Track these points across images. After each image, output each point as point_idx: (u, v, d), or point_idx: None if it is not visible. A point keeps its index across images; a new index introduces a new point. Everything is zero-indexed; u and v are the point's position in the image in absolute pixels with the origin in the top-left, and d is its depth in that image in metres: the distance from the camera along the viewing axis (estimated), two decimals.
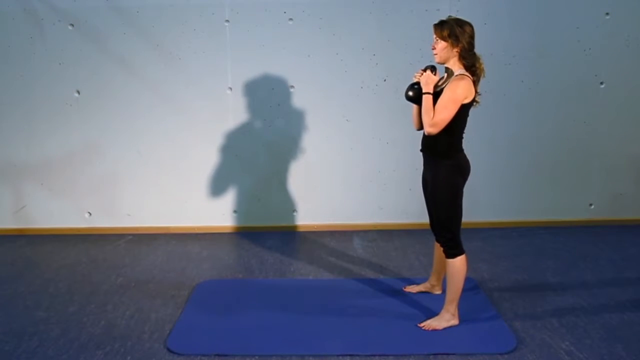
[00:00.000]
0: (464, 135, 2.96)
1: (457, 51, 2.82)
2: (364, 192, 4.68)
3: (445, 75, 2.92)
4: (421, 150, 3.05)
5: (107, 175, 4.63)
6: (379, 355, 2.69)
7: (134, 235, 4.66)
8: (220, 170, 4.65)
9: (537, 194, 4.72)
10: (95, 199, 4.68)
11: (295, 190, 4.69)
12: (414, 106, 3.06)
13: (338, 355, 2.69)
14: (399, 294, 3.39)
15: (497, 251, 4.16)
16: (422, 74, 2.92)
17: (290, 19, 4.43)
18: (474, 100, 2.85)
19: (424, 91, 2.86)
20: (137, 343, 2.84)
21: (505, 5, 4.43)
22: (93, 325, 3.04)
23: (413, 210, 4.52)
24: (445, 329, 2.91)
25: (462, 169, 2.92)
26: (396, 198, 4.64)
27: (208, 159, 4.62)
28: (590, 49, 4.50)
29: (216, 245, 4.43)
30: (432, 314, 3.04)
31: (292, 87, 4.53)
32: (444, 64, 2.89)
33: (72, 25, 4.41)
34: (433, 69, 2.90)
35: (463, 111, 2.82)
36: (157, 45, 4.44)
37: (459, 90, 2.75)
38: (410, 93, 2.96)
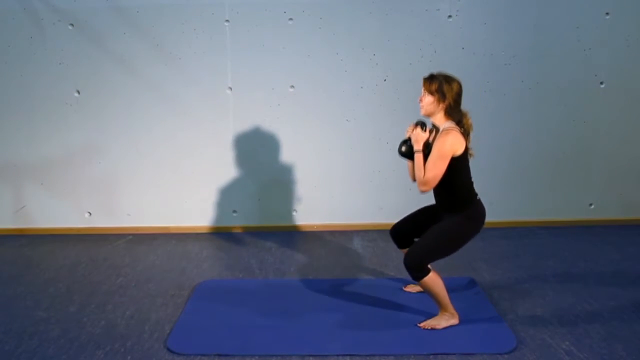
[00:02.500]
0: (472, 183, 2.96)
1: (442, 107, 2.86)
2: (364, 192, 4.69)
3: (434, 130, 2.95)
4: (436, 206, 3.06)
5: (107, 175, 4.63)
6: (379, 355, 2.69)
7: (134, 235, 4.66)
8: (220, 170, 4.65)
9: (537, 194, 4.72)
10: (95, 199, 4.68)
11: (295, 190, 4.69)
12: (408, 161, 3.07)
13: (338, 355, 2.69)
14: (399, 294, 3.40)
15: (497, 251, 4.16)
16: (413, 129, 2.94)
17: (290, 19, 4.43)
18: (466, 152, 2.86)
19: (414, 149, 2.90)
20: (137, 343, 2.84)
21: (505, 5, 4.43)
22: (93, 325, 3.04)
23: (413, 210, 4.50)
24: (445, 328, 2.91)
25: (477, 221, 2.93)
26: (396, 198, 4.64)
27: (208, 159, 4.62)
28: (590, 49, 4.50)
29: (216, 245, 4.43)
30: (432, 313, 3.04)
31: (292, 87, 4.53)
32: (429, 117, 2.93)
33: (72, 25, 4.41)
34: (423, 125, 2.93)
35: (458, 163, 2.83)
36: (157, 45, 4.44)
37: (446, 147, 2.78)
38: (403, 149, 3.00)
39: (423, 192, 2.86)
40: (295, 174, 4.66)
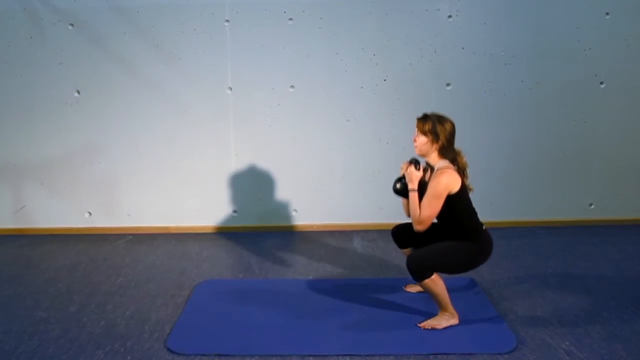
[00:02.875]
0: (476, 216, 2.96)
1: (436, 147, 2.89)
2: (364, 192, 4.69)
3: (429, 168, 2.98)
4: None
5: (107, 175, 4.63)
6: (379, 355, 2.69)
7: (134, 235, 4.66)
8: (220, 170, 4.65)
9: (537, 194, 4.72)
10: (95, 199, 4.68)
11: (295, 190, 4.69)
12: (402, 198, 3.09)
13: (338, 355, 2.69)
14: (399, 293, 3.39)
15: (497, 251, 4.14)
16: (407, 167, 2.97)
17: (290, 19, 4.43)
18: (464, 189, 2.87)
19: (409, 188, 2.92)
20: (137, 343, 2.84)
21: (505, 5, 4.43)
22: (93, 325, 3.04)
23: None
24: (445, 328, 2.91)
25: (484, 252, 2.94)
26: (396, 198, 4.61)
27: (208, 159, 4.62)
28: (590, 49, 4.50)
29: (216, 245, 4.43)
30: (432, 313, 3.04)
31: (292, 87, 4.53)
32: (424, 157, 2.95)
33: (72, 25, 4.41)
34: (417, 163, 2.96)
35: (456, 200, 2.85)
36: (157, 45, 4.44)
37: (441, 186, 2.80)
38: (398, 186, 3.03)
39: (419, 231, 2.88)
40: (295, 174, 4.66)
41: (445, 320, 2.94)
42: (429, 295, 3.29)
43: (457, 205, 2.87)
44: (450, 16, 4.43)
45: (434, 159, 2.92)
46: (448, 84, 4.51)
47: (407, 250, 3.21)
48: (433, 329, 2.91)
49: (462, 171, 2.91)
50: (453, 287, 3.27)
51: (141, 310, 3.22)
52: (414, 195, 2.90)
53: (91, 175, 4.64)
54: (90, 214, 4.72)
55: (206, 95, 4.52)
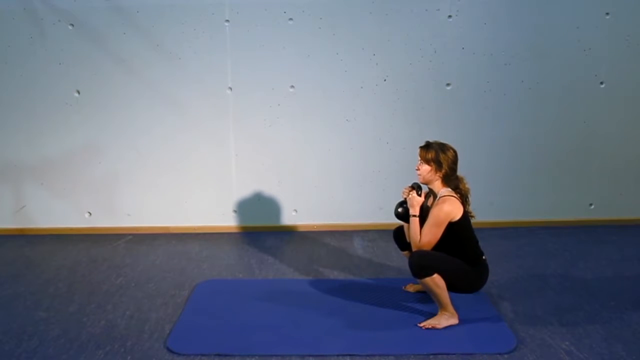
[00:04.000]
0: (477, 243, 2.97)
1: (439, 175, 2.92)
2: (364, 192, 4.69)
3: (431, 194, 3.01)
4: None
5: (107, 175, 4.63)
6: (379, 355, 2.69)
7: (134, 235, 4.66)
8: (220, 170, 4.65)
9: (537, 194, 4.72)
10: (95, 199, 4.68)
11: (295, 190, 4.69)
12: (404, 223, 3.11)
13: (338, 355, 2.69)
14: (399, 293, 3.39)
15: (497, 251, 4.16)
16: (409, 192, 3.00)
17: (290, 19, 4.43)
18: (465, 216, 2.89)
19: (410, 213, 2.96)
20: (137, 343, 2.84)
21: (505, 5, 4.43)
22: (93, 325, 3.04)
23: None
24: (445, 328, 2.92)
25: (480, 280, 2.96)
26: (396, 198, 4.60)
27: (208, 158, 4.62)
28: (590, 49, 4.50)
29: (216, 245, 4.43)
30: (432, 313, 3.04)
31: (292, 87, 4.53)
32: (427, 185, 2.98)
33: (72, 25, 4.41)
34: (419, 188, 2.99)
35: (457, 228, 2.86)
36: (157, 45, 4.44)
37: (442, 215, 2.83)
38: (400, 210, 3.07)
39: None
40: (296, 174, 4.66)
41: (445, 319, 2.94)
42: (429, 294, 3.29)
43: (459, 233, 2.89)
44: (450, 16, 4.43)
45: (437, 186, 2.95)
46: (448, 84, 4.51)
47: (407, 253, 3.22)
48: (433, 329, 2.91)
49: (464, 198, 2.94)
50: None
51: (141, 310, 3.22)
52: (414, 221, 2.94)
53: (91, 175, 4.64)
54: (90, 214, 4.72)
55: (206, 95, 4.52)
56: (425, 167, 2.94)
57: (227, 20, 4.43)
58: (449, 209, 2.84)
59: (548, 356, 2.67)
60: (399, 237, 3.26)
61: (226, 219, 4.74)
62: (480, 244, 4.32)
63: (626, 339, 2.83)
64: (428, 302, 3.18)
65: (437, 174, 2.92)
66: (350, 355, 2.69)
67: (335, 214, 4.74)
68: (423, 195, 2.99)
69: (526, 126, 4.61)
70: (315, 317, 3.09)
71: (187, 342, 2.83)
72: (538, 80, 4.54)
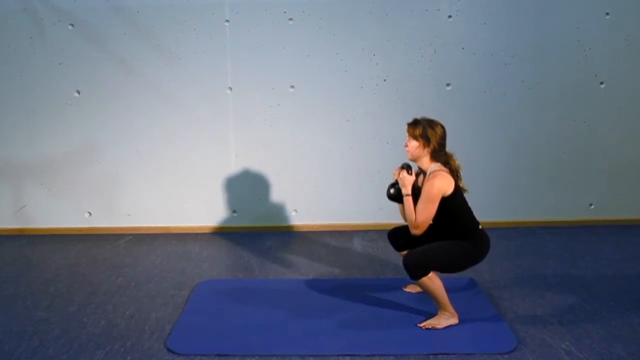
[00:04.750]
0: (472, 216, 2.97)
1: (428, 151, 2.91)
2: (364, 192, 4.69)
3: (421, 172, 3.00)
4: None
5: (107, 175, 4.63)
6: (379, 355, 2.69)
7: (134, 235, 4.66)
8: (220, 170, 4.65)
9: (537, 194, 4.72)
10: (95, 199, 4.68)
11: (295, 190, 4.69)
12: (399, 204, 3.09)
13: (338, 355, 2.69)
14: (399, 293, 3.39)
15: (497, 251, 4.16)
16: (399, 172, 2.98)
17: (290, 19, 4.43)
18: (457, 190, 2.88)
19: (402, 193, 2.95)
20: (137, 343, 2.84)
21: (505, 5, 4.43)
22: (93, 325, 3.04)
23: None
24: (445, 328, 2.91)
25: (481, 250, 2.95)
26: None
27: (208, 158, 4.62)
28: (590, 49, 4.50)
29: (216, 245, 4.43)
30: (432, 313, 3.04)
31: (292, 87, 4.53)
32: (415, 161, 2.97)
33: (72, 25, 4.41)
34: (409, 168, 2.97)
35: (451, 202, 2.86)
36: (157, 45, 4.44)
37: (434, 190, 2.82)
38: (391, 191, 3.04)
39: (416, 234, 2.89)
40: (295, 174, 4.66)
41: (445, 319, 2.94)
42: (428, 294, 3.29)
43: (452, 207, 2.88)
44: (450, 16, 4.43)
45: (426, 162, 2.94)
46: (448, 84, 4.51)
47: (404, 253, 3.22)
48: (433, 329, 2.91)
49: (455, 173, 2.92)
50: (453, 287, 3.27)
51: (141, 310, 3.22)
52: (408, 200, 2.92)
53: (91, 175, 4.64)
54: (90, 214, 4.72)
55: (206, 95, 4.52)
56: (414, 143, 2.92)
57: (227, 20, 4.43)
58: (440, 183, 2.82)
59: (548, 356, 2.67)
60: (395, 237, 3.23)
61: (226, 219, 4.74)
62: None
63: (626, 339, 2.83)
64: (428, 302, 3.18)
65: (426, 150, 2.90)
66: (350, 355, 2.69)
67: (335, 214, 4.74)
68: (413, 173, 2.97)
69: (526, 126, 4.61)
70: (315, 317, 3.09)
71: (187, 342, 2.83)
72: (538, 80, 4.54)
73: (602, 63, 4.53)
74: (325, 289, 3.49)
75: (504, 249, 4.21)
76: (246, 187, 4.68)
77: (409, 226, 2.92)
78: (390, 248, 4.22)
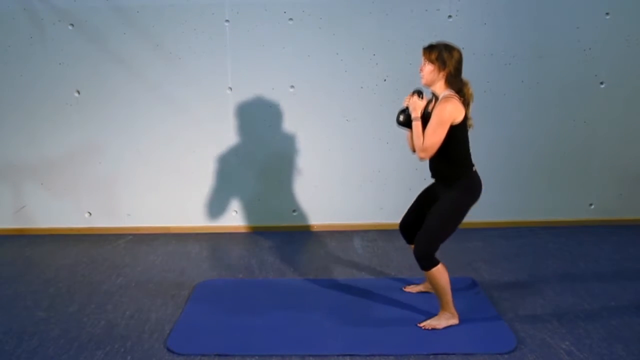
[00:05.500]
0: (470, 153, 2.96)
1: (443, 75, 2.85)
2: (364, 192, 4.69)
3: (433, 98, 2.94)
4: (432, 177, 3.05)
5: (107, 175, 4.63)
6: (379, 355, 2.69)
7: (134, 235, 4.66)
8: (220, 170, 4.65)
9: (537, 194, 4.72)
10: (95, 199, 4.68)
11: (295, 190, 4.69)
12: (407, 130, 3.05)
13: (338, 355, 2.69)
14: (399, 294, 3.39)
15: (497, 251, 4.16)
16: (410, 98, 2.93)
17: (290, 19, 4.43)
18: (465, 121, 2.85)
19: (412, 117, 2.89)
20: (137, 343, 2.84)
21: (505, 5, 4.43)
22: (93, 325, 3.04)
23: None
24: (445, 328, 2.91)
25: (473, 190, 2.92)
26: (396, 198, 4.64)
27: (208, 158, 4.62)
28: (590, 49, 4.50)
29: (216, 245, 4.43)
30: (432, 313, 3.04)
31: (292, 87, 4.53)
32: (430, 87, 2.91)
33: (72, 25, 4.41)
34: (420, 93, 2.92)
35: (457, 132, 2.83)
36: (157, 45, 4.44)
37: (446, 113, 2.76)
38: (401, 118, 2.98)
39: (422, 159, 2.85)
40: (296, 174, 4.66)
41: (445, 320, 2.94)
42: (432, 292, 3.30)
43: (457, 138, 2.82)
44: (450, 16, 4.43)
45: (440, 87, 2.86)
46: None
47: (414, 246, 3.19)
48: (433, 329, 2.91)
49: (466, 104, 2.86)
50: (453, 287, 3.24)
51: (141, 310, 3.22)
52: (417, 125, 2.85)
53: (91, 175, 4.64)
54: (90, 214, 4.72)
55: (206, 95, 4.52)
56: (429, 67, 2.84)
57: (227, 20, 4.43)
58: (453, 107, 2.76)
59: (548, 356, 2.67)
60: (406, 228, 3.17)
61: (226, 219, 4.74)
62: (480, 244, 4.35)
63: (626, 339, 2.83)
64: (428, 302, 3.19)
65: (441, 74, 2.83)
66: (350, 355, 2.69)
67: (335, 214, 4.73)
68: (425, 99, 2.91)
69: (526, 126, 4.61)
70: (315, 317, 3.09)
71: (187, 342, 2.83)
72: (538, 80, 4.54)
73: (602, 63, 4.53)
74: (325, 289, 3.49)
75: (504, 249, 4.21)
76: (246, 187, 4.68)
77: (417, 151, 2.85)
78: (390, 248, 4.24)
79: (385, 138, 4.59)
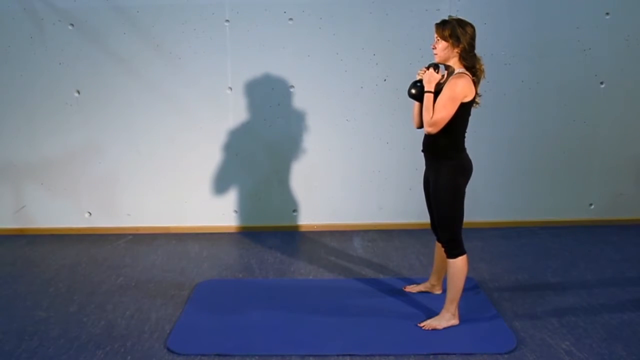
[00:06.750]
0: (466, 135, 2.95)
1: (457, 52, 2.82)
2: (364, 192, 4.68)
3: (446, 73, 2.90)
4: (422, 151, 3.04)
5: (107, 175, 4.63)
6: (379, 355, 2.69)
7: (134, 235, 4.66)
8: (221, 170, 4.65)
9: (537, 194, 4.72)
10: (95, 199, 4.68)
11: (295, 190, 4.69)
12: (415, 104, 3.05)
13: (338, 355, 2.69)
14: (399, 293, 3.40)
15: (497, 251, 4.16)
16: (425, 72, 2.90)
17: (290, 19, 4.43)
18: (474, 100, 2.84)
19: (425, 89, 2.85)
20: (137, 343, 2.84)
21: (505, 5, 4.43)
22: (93, 325, 3.04)
23: (413, 210, 4.52)
24: (445, 328, 2.91)
25: (464, 170, 2.92)
26: (396, 198, 4.64)
27: (208, 158, 4.62)
28: (590, 49, 4.50)
29: (216, 245, 4.43)
30: (432, 313, 3.04)
31: (292, 87, 4.53)
32: (443, 64, 2.89)
33: (72, 25, 4.41)
34: (436, 67, 2.89)
35: (463, 110, 2.81)
36: (157, 45, 4.44)
37: (458, 89, 2.75)
38: (413, 91, 2.95)
39: (430, 133, 2.82)
40: (296, 174, 4.66)
41: (446, 320, 2.94)
42: (432, 292, 3.31)
43: (460, 117, 2.81)
44: (451, 16, 4.42)
45: (455, 64, 2.84)
46: None
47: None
48: (433, 329, 2.91)
49: (477, 81, 2.85)
50: None
51: (141, 310, 3.22)
52: (429, 97, 2.82)
53: (91, 175, 4.64)
54: (90, 214, 4.71)
55: (206, 95, 4.52)
56: (443, 44, 2.82)
57: (227, 20, 4.43)
58: (465, 83, 2.75)
59: (548, 356, 2.67)
60: (434, 226, 3.12)
61: (226, 219, 4.73)
62: (480, 244, 4.35)
63: (626, 339, 2.83)
64: (428, 302, 3.19)
65: (455, 50, 2.80)
66: (350, 355, 2.70)
67: (335, 214, 4.73)
68: (440, 73, 2.86)
69: (526, 126, 4.60)
70: (315, 317, 3.09)
71: (187, 342, 2.83)
72: (538, 80, 4.54)
73: (602, 63, 4.53)
74: (325, 289, 3.49)
75: (504, 249, 4.21)
76: (246, 187, 4.68)
77: (425, 124, 2.82)
78: (390, 248, 4.24)
79: (385, 138, 4.59)
